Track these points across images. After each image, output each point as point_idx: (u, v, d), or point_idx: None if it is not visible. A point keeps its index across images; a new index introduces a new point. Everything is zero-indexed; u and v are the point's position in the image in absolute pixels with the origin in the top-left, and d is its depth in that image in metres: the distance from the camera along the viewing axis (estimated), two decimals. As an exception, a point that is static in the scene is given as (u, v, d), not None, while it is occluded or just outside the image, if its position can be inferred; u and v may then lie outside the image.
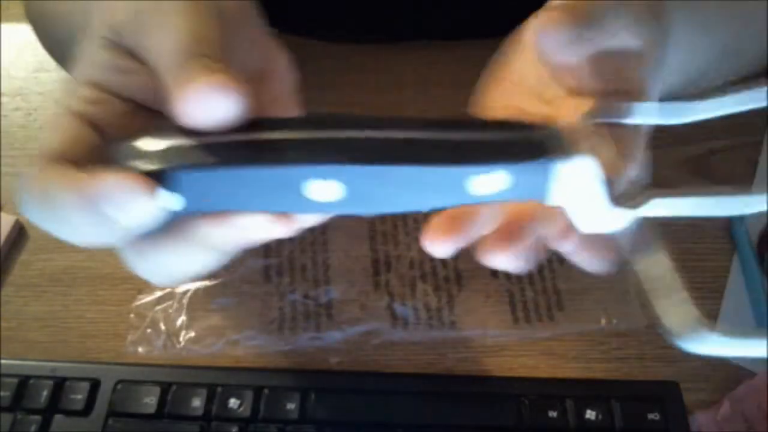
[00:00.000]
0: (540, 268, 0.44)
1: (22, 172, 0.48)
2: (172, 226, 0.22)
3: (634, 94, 0.25)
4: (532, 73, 0.29)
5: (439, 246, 0.24)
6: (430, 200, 0.22)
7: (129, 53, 0.24)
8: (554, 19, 0.24)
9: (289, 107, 0.28)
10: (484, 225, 0.25)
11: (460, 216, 0.25)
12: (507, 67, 0.30)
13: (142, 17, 0.24)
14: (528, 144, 0.21)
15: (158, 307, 0.43)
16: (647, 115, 0.24)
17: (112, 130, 0.23)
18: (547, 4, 0.26)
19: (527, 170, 0.21)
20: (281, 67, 0.28)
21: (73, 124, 0.22)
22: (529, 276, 0.43)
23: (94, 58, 0.24)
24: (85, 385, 0.38)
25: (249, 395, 0.38)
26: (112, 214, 0.19)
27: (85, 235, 0.20)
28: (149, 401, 0.37)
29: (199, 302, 0.43)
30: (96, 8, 0.26)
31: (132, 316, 0.42)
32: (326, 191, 0.20)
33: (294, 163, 0.20)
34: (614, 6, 0.25)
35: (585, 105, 0.25)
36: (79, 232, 0.21)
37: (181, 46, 0.22)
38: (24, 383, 0.38)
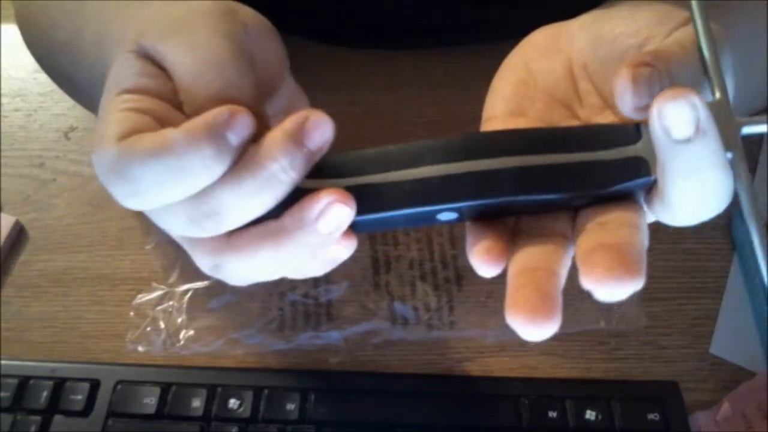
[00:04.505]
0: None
1: (22, 172, 0.49)
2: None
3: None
4: (564, 83, 0.28)
5: (538, 331, 0.23)
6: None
7: (155, 62, 0.25)
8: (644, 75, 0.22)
9: None
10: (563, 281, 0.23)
11: (545, 289, 0.23)
12: (527, 71, 0.29)
13: (169, 41, 0.25)
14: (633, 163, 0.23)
15: (159, 307, 0.43)
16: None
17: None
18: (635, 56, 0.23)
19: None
20: (301, 101, 0.32)
21: (130, 115, 0.23)
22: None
23: (125, 70, 0.25)
24: (85, 386, 0.38)
25: (249, 395, 0.38)
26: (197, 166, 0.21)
27: (163, 196, 0.22)
28: (149, 401, 0.37)
29: (199, 301, 0.43)
30: (118, 27, 0.28)
31: (132, 314, 0.42)
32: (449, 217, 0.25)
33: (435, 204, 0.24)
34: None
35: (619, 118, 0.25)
36: (159, 193, 0.22)
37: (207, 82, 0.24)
38: (24, 384, 0.38)
